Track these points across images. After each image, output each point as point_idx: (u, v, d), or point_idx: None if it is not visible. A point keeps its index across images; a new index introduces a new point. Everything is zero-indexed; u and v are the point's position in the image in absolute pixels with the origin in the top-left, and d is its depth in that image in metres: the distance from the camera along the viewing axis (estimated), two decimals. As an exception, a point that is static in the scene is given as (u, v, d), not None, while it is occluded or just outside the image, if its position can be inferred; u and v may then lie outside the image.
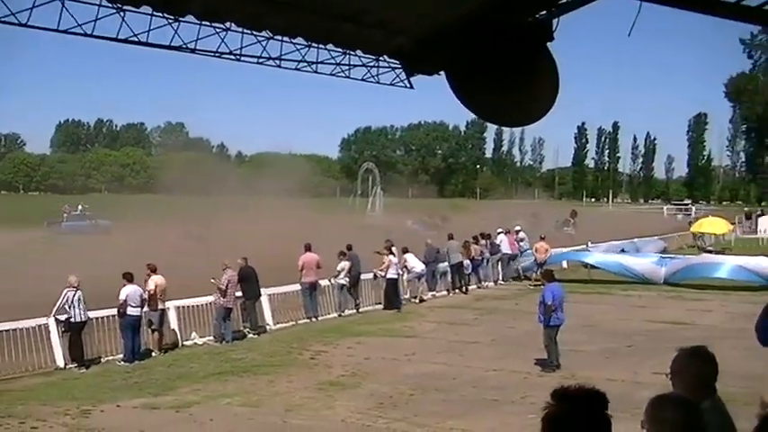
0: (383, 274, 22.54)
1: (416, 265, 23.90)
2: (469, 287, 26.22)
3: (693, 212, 77.07)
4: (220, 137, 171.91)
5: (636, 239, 36.85)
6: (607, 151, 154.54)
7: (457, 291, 25.75)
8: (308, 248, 21.46)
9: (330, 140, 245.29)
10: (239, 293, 18.86)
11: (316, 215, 51.86)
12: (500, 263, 28.60)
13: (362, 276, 22.60)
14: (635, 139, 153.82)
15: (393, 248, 23.04)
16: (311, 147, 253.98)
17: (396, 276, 22.71)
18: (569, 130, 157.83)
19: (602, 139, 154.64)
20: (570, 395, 2.71)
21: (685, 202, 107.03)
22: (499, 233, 29.27)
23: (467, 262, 26.11)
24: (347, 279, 21.88)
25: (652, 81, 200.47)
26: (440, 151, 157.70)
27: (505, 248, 28.63)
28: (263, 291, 19.77)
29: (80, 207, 62.26)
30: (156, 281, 16.97)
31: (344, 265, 21.87)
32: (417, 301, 23.73)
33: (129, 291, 16.29)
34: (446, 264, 25.87)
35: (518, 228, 30.73)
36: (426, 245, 25.61)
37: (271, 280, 20.47)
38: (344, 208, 73.84)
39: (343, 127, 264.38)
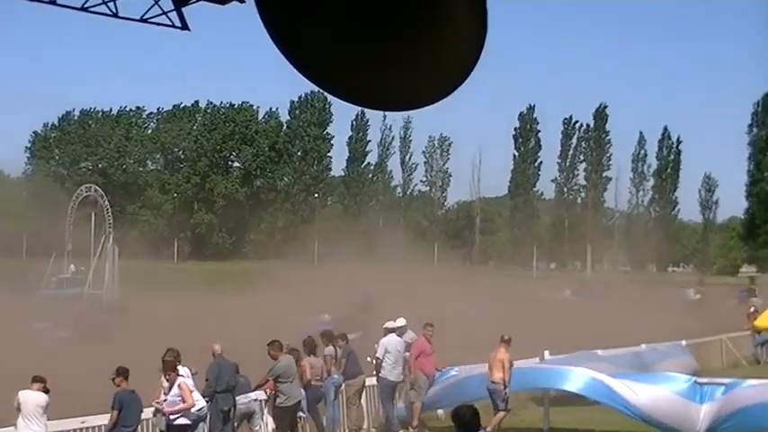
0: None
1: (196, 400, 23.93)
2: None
3: None
4: None
5: (643, 346, 38.11)
6: (582, 165, 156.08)
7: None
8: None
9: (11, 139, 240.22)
10: None
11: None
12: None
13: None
14: (642, 137, 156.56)
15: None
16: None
17: (187, 421, 23.06)
18: (504, 121, 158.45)
19: (571, 139, 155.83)
20: None
21: None
22: (389, 331, 29.48)
23: (301, 392, 26.28)
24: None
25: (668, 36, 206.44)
26: (237, 163, 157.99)
27: (389, 369, 28.72)
28: None
29: (72, 268, 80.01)
30: None
31: (26, 397, 21.65)
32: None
33: None
34: (254, 399, 26.11)
35: (401, 323, 30.75)
36: (214, 355, 25.65)
37: None
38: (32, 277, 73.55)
39: (37, 114, 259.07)
